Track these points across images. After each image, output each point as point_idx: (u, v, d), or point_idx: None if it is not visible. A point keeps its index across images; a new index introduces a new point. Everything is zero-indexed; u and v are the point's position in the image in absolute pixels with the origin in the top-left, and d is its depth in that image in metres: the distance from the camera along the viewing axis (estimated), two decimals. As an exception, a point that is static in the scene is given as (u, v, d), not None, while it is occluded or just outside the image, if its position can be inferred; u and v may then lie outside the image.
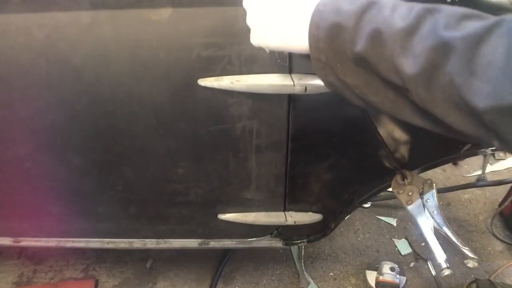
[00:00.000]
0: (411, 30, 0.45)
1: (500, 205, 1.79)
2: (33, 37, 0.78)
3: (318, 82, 0.78)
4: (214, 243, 1.29)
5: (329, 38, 0.52)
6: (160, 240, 1.29)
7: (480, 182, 1.78)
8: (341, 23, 0.50)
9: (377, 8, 0.49)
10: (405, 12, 0.47)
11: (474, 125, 0.44)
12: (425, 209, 0.99)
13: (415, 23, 0.45)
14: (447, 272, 0.96)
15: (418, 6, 0.47)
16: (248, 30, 0.65)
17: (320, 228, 1.28)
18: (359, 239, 1.80)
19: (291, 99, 0.84)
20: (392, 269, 1.52)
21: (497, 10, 0.78)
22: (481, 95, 0.40)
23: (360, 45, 0.49)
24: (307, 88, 0.79)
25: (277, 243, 1.32)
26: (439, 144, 1.00)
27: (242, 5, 0.66)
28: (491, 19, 0.43)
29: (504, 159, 2.14)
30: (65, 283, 1.61)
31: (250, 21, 0.64)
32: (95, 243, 1.30)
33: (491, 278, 1.57)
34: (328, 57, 0.54)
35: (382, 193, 1.35)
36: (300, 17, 0.56)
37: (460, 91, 0.42)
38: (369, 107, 0.58)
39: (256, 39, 0.64)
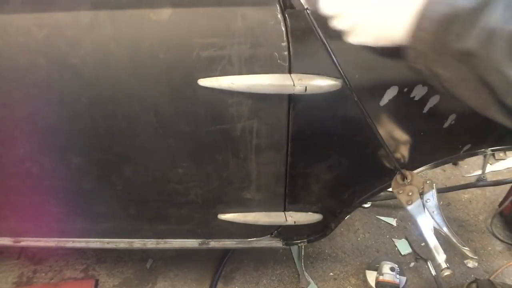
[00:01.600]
0: None
1: (500, 205, 1.79)
2: (33, 37, 0.78)
3: (318, 82, 0.78)
4: (214, 243, 1.29)
5: (436, 30, 0.54)
6: (160, 240, 1.29)
7: (480, 182, 1.78)
8: (456, 17, 0.52)
9: (494, 5, 0.50)
10: None
11: None
12: (425, 209, 0.99)
13: None
14: (447, 272, 0.96)
15: None
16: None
17: (320, 228, 1.28)
18: (359, 239, 1.80)
19: (291, 99, 0.84)
20: (392, 269, 1.52)
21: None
22: None
23: (470, 41, 0.51)
24: (307, 88, 0.79)
25: (277, 243, 1.32)
26: (439, 144, 1.00)
27: (243, 6, 0.67)
28: None
29: (504, 159, 2.14)
30: (65, 283, 1.61)
31: (347, 22, 0.67)
32: (95, 243, 1.30)
33: (491, 278, 1.57)
34: (428, 47, 0.56)
35: (382, 193, 1.35)
36: (402, 7, 0.58)
37: None
38: (450, 95, 0.60)
39: (357, 37, 0.67)
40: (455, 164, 2.14)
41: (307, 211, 1.16)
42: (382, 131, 0.90)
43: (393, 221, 1.86)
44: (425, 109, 0.87)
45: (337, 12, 0.67)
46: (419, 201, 1.00)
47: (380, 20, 0.63)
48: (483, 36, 0.50)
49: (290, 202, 1.12)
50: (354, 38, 0.68)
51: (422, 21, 0.56)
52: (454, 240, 0.98)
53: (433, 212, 0.99)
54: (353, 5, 0.66)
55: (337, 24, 0.68)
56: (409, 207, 1.00)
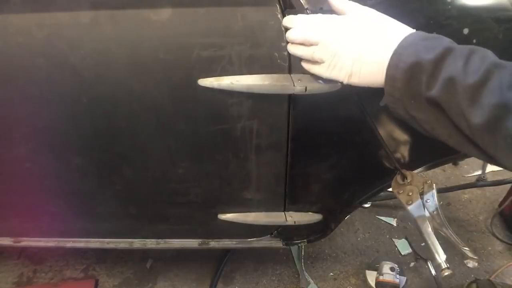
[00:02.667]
0: (480, 85, 0.52)
1: (500, 205, 1.79)
2: (33, 37, 0.78)
3: (318, 82, 0.78)
4: (214, 243, 1.29)
5: (406, 79, 0.59)
6: (160, 240, 1.29)
7: (480, 182, 1.78)
8: (420, 68, 0.58)
9: (452, 57, 0.56)
10: (477, 66, 0.54)
11: None
12: (425, 209, 0.99)
13: (484, 79, 0.52)
14: (447, 272, 0.96)
15: (488, 60, 0.54)
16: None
17: (320, 228, 1.28)
18: (359, 239, 1.80)
19: (291, 99, 0.84)
20: (392, 269, 1.52)
21: (497, 11, 0.78)
22: None
23: (435, 90, 0.56)
24: (307, 88, 0.78)
25: (277, 243, 1.31)
26: (439, 144, 0.99)
27: (243, 6, 0.67)
28: None
29: (504, 159, 2.14)
30: (65, 283, 1.61)
31: (322, 53, 0.68)
32: (95, 243, 1.30)
33: (491, 278, 1.57)
34: (402, 94, 0.61)
35: (382, 193, 1.35)
36: (378, 57, 0.63)
37: None
38: (435, 137, 0.65)
39: (328, 71, 0.69)
40: (455, 164, 2.14)
41: (307, 211, 1.16)
42: (382, 131, 0.90)
43: (393, 221, 1.86)
44: (425, 109, 0.87)
45: (317, 38, 0.67)
46: (419, 201, 0.99)
47: (359, 60, 0.65)
48: (446, 84, 0.55)
49: (290, 202, 1.12)
50: (326, 72, 0.69)
51: (394, 72, 0.61)
52: (454, 240, 0.98)
53: (433, 212, 0.99)
54: (333, 34, 0.67)
55: (312, 53, 0.69)
56: (409, 207, 1.00)
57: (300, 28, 0.71)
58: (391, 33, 0.63)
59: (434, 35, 0.61)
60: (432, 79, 0.56)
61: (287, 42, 0.75)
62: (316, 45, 0.68)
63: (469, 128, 0.55)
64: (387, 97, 0.64)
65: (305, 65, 0.74)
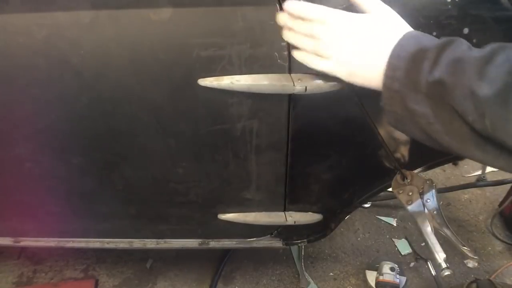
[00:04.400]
0: (487, 59, 0.51)
1: (500, 205, 1.78)
2: (33, 37, 0.78)
3: (318, 82, 0.78)
4: (214, 243, 1.29)
5: (408, 67, 0.58)
6: (160, 240, 1.29)
7: (480, 182, 1.78)
8: (423, 53, 0.56)
9: (457, 43, 0.55)
10: (481, 49, 0.53)
11: None
12: (425, 209, 0.99)
13: (491, 55, 0.52)
14: (447, 272, 0.96)
15: (493, 44, 0.53)
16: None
17: (320, 228, 1.28)
18: (359, 239, 1.80)
19: (291, 99, 0.84)
20: (392, 269, 1.52)
21: (496, 10, 0.78)
22: None
23: (438, 72, 0.54)
24: (307, 88, 0.78)
25: (277, 243, 1.31)
26: (439, 144, 1.00)
27: (243, 6, 0.67)
28: None
29: (504, 159, 2.14)
30: (65, 283, 1.61)
31: (327, 44, 0.65)
32: (95, 243, 1.30)
33: (491, 278, 1.57)
34: (402, 85, 0.59)
35: (382, 193, 1.35)
36: (377, 51, 0.61)
37: None
38: (429, 138, 0.62)
39: (325, 65, 0.67)
40: (455, 164, 2.14)
41: (307, 211, 1.16)
42: (382, 131, 0.90)
43: (393, 221, 1.86)
44: (425, 109, 0.87)
45: (321, 16, 0.64)
46: (419, 201, 1.00)
47: (357, 57, 0.64)
48: (451, 65, 0.54)
49: (290, 202, 1.12)
50: (326, 65, 0.66)
51: (395, 61, 0.59)
52: (454, 240, 0.98)
53: (433, 212, 0.99)
54: (341, 17, 0.64)
55: (317, 45, 0.66)
56: (409, 207, 1.00)
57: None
58: (393, 31, 0.62)
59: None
60: (436, 62, 0.55)
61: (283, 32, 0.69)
62: (321, 24, 0.64)
63: (475, 108, 0.52)
64: (385, 91, 0.62)
65: (302, 57, 0.69)
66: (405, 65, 0.58)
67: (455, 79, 0.53)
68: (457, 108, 0.54)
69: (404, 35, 0.61)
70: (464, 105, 0.53)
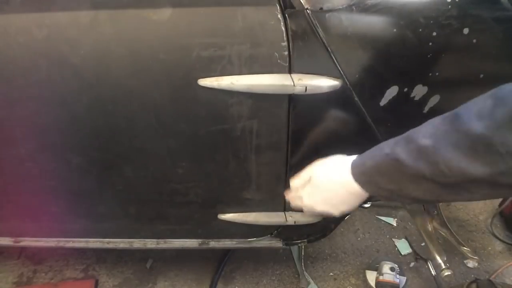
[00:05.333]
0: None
1: (500, 205, 1.78)
2: (33, 37, 0.78)
3: (318, 82, 0.78)
4: (214, 243, 1.29)
5: (375, 166, 0.69)
6: (160, 240, 1.29)
7: (480, 182, 1.77)
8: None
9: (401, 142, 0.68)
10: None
11: None
12: (425, 209, 0.99)
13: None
14: (447, 272, 0.97)
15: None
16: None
17: (320, 228, 1.28)
18: (359, 239, 1.80)
19: (291, 99, 0.84)
20: (392, 269, 1.52)
21: (496, 10, 0.78)
22: None
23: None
24: (307, 88, 0.79)
25: (277, 243, 1.32)
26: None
27: (243, 6, 0.67)
28: None
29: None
30: (65, 283, 1.61)
31: (306, 201, 0.81)
32: (95, 243, 1.30)
33: (491, 278, 1.57)
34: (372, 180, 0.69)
35: (382, 193, 1.34)
36: (342, 177, 0.72)
37: None
38: (410, 203, 0.69)
39: (308, 208, 0.81)
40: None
41: (307, 211, 1.16)
42: (381, 131, 0.90)
43: (393, 221, 1.86)
44: (425, 109, 0.87)
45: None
46: (419, 201, 0.99)
47: (330, 193, 0.76)
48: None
49: (290, 202, 1.12)
50: (307, 208, 0.81)
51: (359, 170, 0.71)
52: (454, 240, 0.98)
53: (433, 212, 0.99)
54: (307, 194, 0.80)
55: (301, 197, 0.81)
56: (409, 207, 1.00)
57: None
58: (343, 166, 0.73)
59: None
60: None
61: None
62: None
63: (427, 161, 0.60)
64: (365, 186, 0.70)
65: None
66: (367, 176, 0.70)
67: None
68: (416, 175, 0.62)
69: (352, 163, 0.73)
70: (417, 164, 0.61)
